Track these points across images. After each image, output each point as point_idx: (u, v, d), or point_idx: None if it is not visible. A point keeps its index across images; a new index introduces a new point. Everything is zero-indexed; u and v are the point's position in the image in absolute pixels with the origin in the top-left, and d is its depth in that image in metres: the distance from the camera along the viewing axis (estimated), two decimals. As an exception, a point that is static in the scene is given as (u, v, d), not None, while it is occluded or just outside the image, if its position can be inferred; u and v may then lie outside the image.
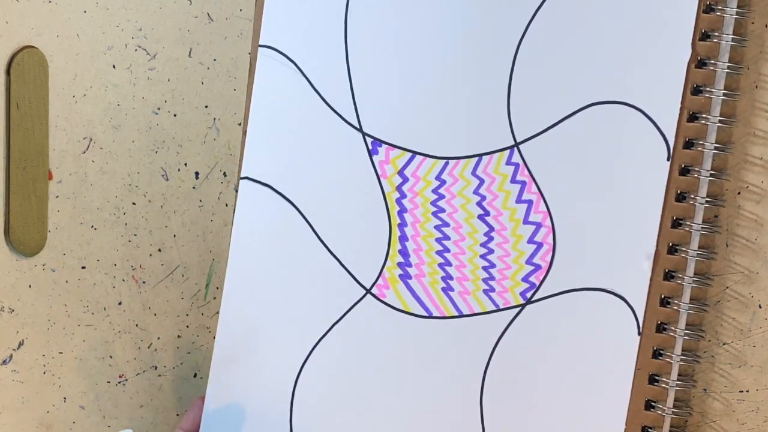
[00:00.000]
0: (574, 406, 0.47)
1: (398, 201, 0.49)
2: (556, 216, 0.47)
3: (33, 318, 0.55)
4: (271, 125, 0.50)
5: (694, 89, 0.46)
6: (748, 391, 0.47)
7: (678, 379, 0.47)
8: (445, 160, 0.48)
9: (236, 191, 0.51)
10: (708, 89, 0.46)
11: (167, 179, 0.53)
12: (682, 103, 0.46)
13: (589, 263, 0.47)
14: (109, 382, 0.55)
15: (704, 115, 0.46)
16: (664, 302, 0.47)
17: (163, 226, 0.54)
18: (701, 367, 0.48)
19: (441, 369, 0.49)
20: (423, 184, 0.49)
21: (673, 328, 0.47)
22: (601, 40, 0.46)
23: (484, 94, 0.48)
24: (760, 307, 0.47)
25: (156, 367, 0.54)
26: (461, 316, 0.48)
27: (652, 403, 0.47)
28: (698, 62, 0.46)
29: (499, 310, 0.48)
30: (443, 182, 0.48)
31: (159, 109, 0.53)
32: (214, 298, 0.53)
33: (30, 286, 0.55)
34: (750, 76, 0.46)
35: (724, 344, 0.47)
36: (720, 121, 0.46)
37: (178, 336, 0.54)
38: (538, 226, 0.47)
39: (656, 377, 0.47)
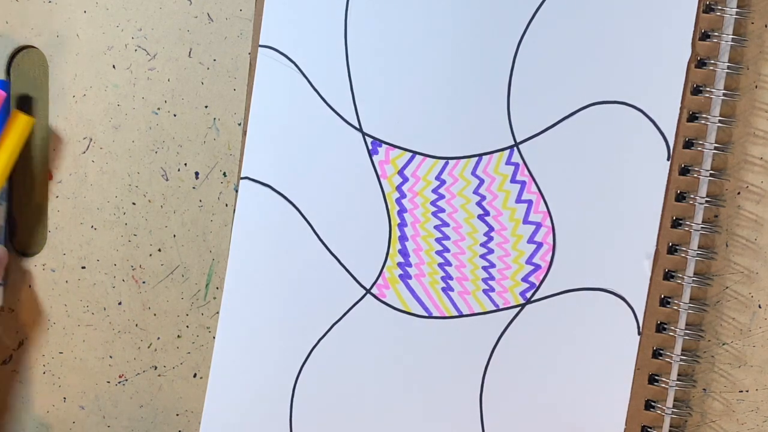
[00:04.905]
0: (574, 406, 0.47)
1: (398, 201, 0.49)
2: (556, 216, 0.47)
3: (33, 318, 0.55)
4: (271, 125, 0.50)
5: (694, 89, 0.46)
6: (748, 391, 0.47)
7: (678, 379, 0.47)
8: (445, 160, 0.48)
9: (236, 191, 0.51)
10: (708, 89, 0.46)
11: (167, 179, 0.53)
12: (682, 103, 0.46)
13: (589, 263, 0.47)
14: (109, 382, 0.55)
15: (704, 115, 0.46)
16: (664, 302, 0.47)
17: (163, 226, 0.54)
18: (701, 367, 0.48)
19: (441, 369, 0.49)
20: (423, 184, 0.49)
21: (673, 328, 0.47)
22: (601, 40, 0.46)
23: (483, 94, 0.48)
24: (760, 307, 0.47)
25: (156, 367, 0.54)
26: (461, 316, 0.48)
27: (652, 403, 0.47)
28: (698, 62, 0.46)
29: (498, 310, 0.48)
30: (443, 182, 0.48)
31: (159, 109, 0.53)
32: (214, 298, 0.53)
33: (30, 286, 0.55)
34: (750, 76, 0.46)
35: (724, 344, 0.47)
36: (720, 121, 0.46)
37: (178, 336, 0.54)
38: (538, 226, 0.47)
39: (656, 377, 0.47)
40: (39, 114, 0.55)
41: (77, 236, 0.55)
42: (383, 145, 0.49)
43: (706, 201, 0.46)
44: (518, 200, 0.48)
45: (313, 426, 0.50)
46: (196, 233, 0.53)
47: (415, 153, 0.49)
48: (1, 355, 0.56)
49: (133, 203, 0.54)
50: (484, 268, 0.48)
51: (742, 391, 0.47)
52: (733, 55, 0.46)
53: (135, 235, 0.54)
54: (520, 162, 0.47)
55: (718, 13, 0.45)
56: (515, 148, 0.47)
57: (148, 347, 0.54)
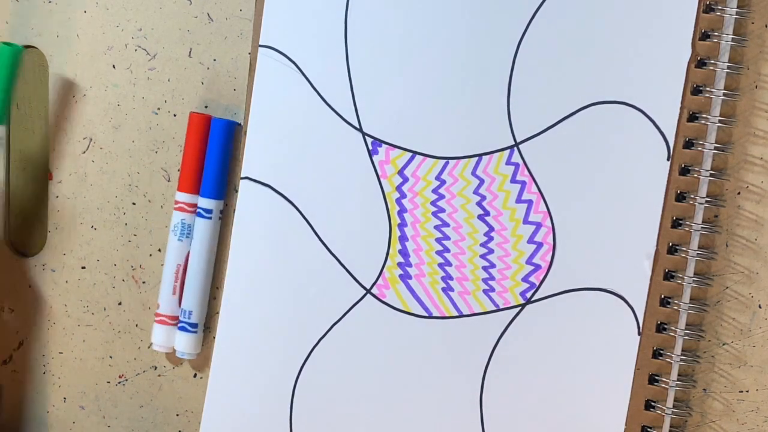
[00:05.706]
0: (574, 406, 0.47)
1: (398, 201, 0.49)
2: (556, 216, 0.47)
3: (33, 318, 0.55)
4: (271, 125, 0.50)
5: (694, 89, 0.46)
6: (748, 391, 0.47)
7: (678, 379, 0.47)
8: (445, 160, 0.48)
9: (236, 191, 0.51)
10: (708, 89, 0.46)
11: (168, 179, 0.53)
12: (682, 103, 0.46)
13: (589, 263, 0.47)
14: (109, 382, 0.55)
15: (704, 115, 0.46)
16: (664, 302, 0.47)
17: (163, 226, 0.54)
18: (701, 367, 0.48)
19: (441, 369, 0.49)
20: (423, 184, 0.49)
21: (673, 328, 0.47)
22: (601, 40, 0.46)
23: (484, 94, 0.48)
24: (760, 307, 0.47)
25: (156, 367, 0.54)
26: (461, 316, 0.48)
27: (652, 403, 0.47)
28: (698, 62, 0.46)
29: (499, 310, 0.48)
30: (443, 182, 0.48)
31: (159, 109, 0.53)
32: (214, 298, 0.53)
33: (30, 286, 0.55)
34: (750, 76, 0.46)
35: (724, 344, 0.47)
36: (720, 121, 0.46)
37: (178, 336, 0.54)
38: (538, 226, 0.47)
39: (656, 377, 0.47)
40: (39, 114, 0.55)
41: (77, 236, 0.55)
42: (383, 145, 0.49)
43: (706, 201, 0.46)
44: (518, 200, 0.48)
45: (314, 426, 0.50)
46: (196, 233, 0.53)
47: (415, 153, 0.49)
48: (1, 355, 0.56)
49: (133, 203, 0.54)
50: (484, 268, 0.48)
51: (742, 391, 0.47)
52: (733, 55, 0.46)
53: (135, 235, 0.54)
54: (520, 162, 0.47)
55: (718, 13, 0.45)
56: (515, 148, 0.47)
57: (148, 347, 0.54)
